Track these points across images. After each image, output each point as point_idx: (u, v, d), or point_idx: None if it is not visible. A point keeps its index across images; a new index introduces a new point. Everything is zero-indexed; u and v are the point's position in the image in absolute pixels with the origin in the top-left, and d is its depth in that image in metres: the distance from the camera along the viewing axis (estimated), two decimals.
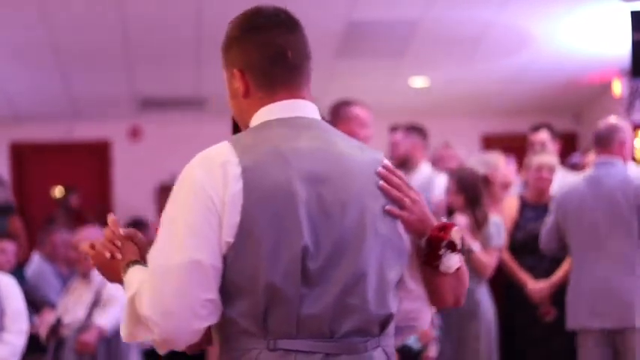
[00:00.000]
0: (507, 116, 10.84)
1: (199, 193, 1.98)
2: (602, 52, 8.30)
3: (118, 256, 2.19)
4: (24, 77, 8.90)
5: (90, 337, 6.08)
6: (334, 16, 7.21)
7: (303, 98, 2.14)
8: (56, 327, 6.22)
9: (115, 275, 2.19)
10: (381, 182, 2.10)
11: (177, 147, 10.75)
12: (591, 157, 5.48)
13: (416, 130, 6.80)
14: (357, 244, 2.03)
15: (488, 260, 5.66)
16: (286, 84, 2.12)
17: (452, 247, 2.12)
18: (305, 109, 2.14)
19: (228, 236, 1.97)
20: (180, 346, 2.01)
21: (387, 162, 2.15)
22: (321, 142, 2.08)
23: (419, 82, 9.44)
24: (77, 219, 8.86)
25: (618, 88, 9.08)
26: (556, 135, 6.64)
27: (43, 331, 6.19)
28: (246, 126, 2.16)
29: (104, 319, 6.17)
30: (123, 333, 2.06)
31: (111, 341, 6.20)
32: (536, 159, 5.97)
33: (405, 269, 2.11)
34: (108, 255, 2.20)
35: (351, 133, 5.84)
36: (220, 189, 1.98)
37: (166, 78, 8.90)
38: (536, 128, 6.63)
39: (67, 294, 6.54)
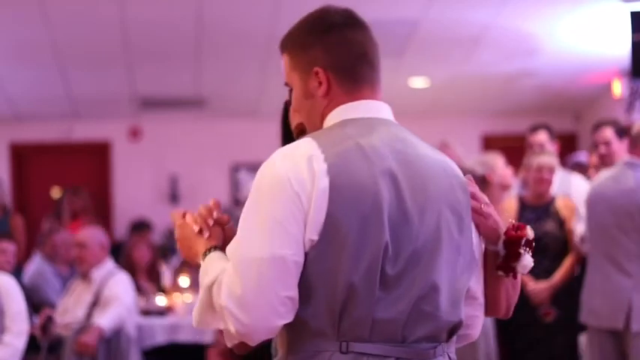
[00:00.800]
0: (507, 116, 10.84)
1: (286, 188, 1.95)
2: (602, 52, 8.30)
3: (206, 234, 2.15)
4: (24, 77, 8.90)
5: (90, 338, 6.08)
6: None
7: (380, 99, 2.15)
8: (47, 325, 6.22)
9: (192, 252, 2.16)
10: (470, 188, 2.13)
11: (177, 147, 10.78)
12: (594, 157, 5.49)
13: None
14: (433, 250, 2.02)
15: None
16: (369, 82, 2.14)
17: (529, 245, 2.20)
18: (383, 110, 2.14)
19: (313, 233, 1.94)
20: (255, 341, 1.97)
21: (456, 167, 2.15)
22: (401, 144, 2.07)
23: (419, 82, 9.44)
24: (78, 219, 8.82)
25: (618, 88, 9.08)
26: (555, 135, 6.63)
27: (36, 331, 6.18)
28: (316, 125, 2.14)
29: (104, 320, 6.17)
30: (195, 319, 2.03)
31: (111, 341, 6.20)
32: (536, 159, 5.95)
33: (473, 276, 2.12)
34: (197, 229, 2.16)
35: None
36: (307, 185, 1.95)
37: (166, 78, 8.90)
38: (534, 129, 6.62)
39: (67, 294, 6.54)
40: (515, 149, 8.41)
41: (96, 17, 7.16)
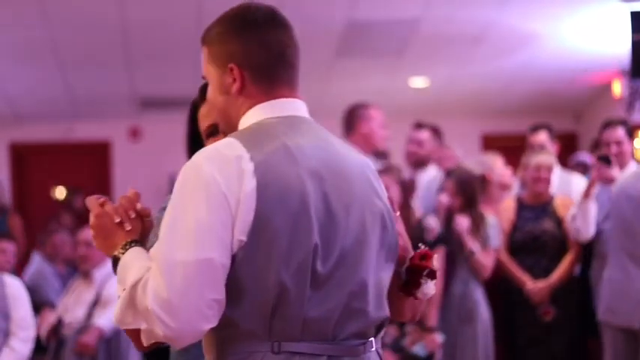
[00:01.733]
0: (507, 116, 10.84)
1: (212, 189, 1.92)
2: (602, 52, 8.30)
3: (127, 226, 2.09)
4: (24, 77, 8.90)
5: (90, 338, 6.08)
6: (334, 15, 7.20)
7: (299, 98, 2.13)
8: (57, 327, 6.22)
9: (107, 243, 2.09)
10: (388, 194, 2.12)
11: (177, 147, 10.75)
12: (596, 165, 5.49)
13: (438, 133, 6.93)
14: (360, 248, 2.02)
15: (488, 261, 5.67)
16: (286, 82, 2.11)
17: (432, 275, 2.15)
18: (302, 109, 2.12)
19: (242, 234, 1.92)
20: (181, 345, 1.95)
21: (373, 167, 2.16)
22: (322, 142, 2.07)
23: (419, 82, 9.44)
24: (82, 220, 8.80)
25: (618, 88, 9.08)
26: (555, 136, 6.63)
27: (43, 332, 6.18)
28: (231, 123, 2.12)
29: (104, 320, 6.17)
30: (116, 317, 1.99)
31: (111, 341, 6.20)
32: (534, 159, 5.96)
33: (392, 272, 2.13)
34: (117, 220, 2.09)
35: (371, 133, 5.92)
36: (235, 186, 1.93)
37: (166, 78, 8.90)
38: (535, 129, 6.62)
39: (68, 294, 6.54)
40: (515, 149, 8.41)
41: (96, 17, 7.15)
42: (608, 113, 8.61)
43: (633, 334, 5.02)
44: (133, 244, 2.06)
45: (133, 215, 2.11)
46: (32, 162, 10.91)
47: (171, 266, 1.90)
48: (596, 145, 5.99)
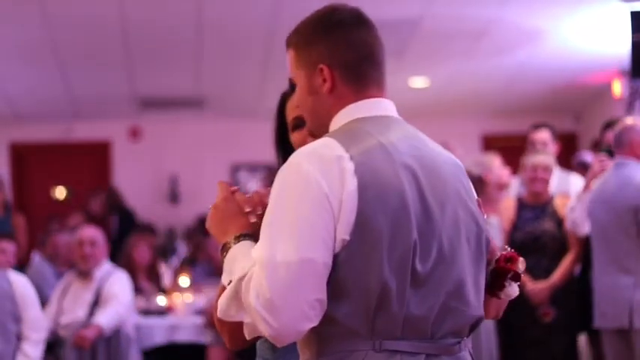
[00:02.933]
0: (507, 116, 10.84)
1: (314, 189, 1.93)
2: (602, 52, 8.30)
3: (253, 219, 2.10)
4: (24, 77, 8.90)
5: (88, 332, 6.08)
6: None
7: (386, 97, 2.16)
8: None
9: (221, 228, 2.11)
10: (477, 198, 2.15)
11: (177, 147, 10.78)
12: (598, 157, 5.49)
13: None
14: (456, 245, 2.05)
15: None
16: (375, 82, 2.13)
17: (517, 278, 2.18)
18: (391, 108, 2.16)
19: (344, 234, 1.93)
20: (283, 344, 1.96)
21: (462, 165, 2.19)
22: (414, 140, 2.10)
23: (419, 82, 9.44)
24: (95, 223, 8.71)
25: (618, 88, 9.08)
26: (556, 136, 6.63)
27: None
28: (321, 123, 2.14)
29: (103, 318, 6.16)
30: (220, 308, 2.00)
31: (110, 341, 6.19)
32: (532, 159, 5.96)
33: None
34: (247, 209, 2.11)
35: None
36: (337, 186, 1.94)
37: (166, 78, 8.90)
38: (537, 127, 6.62)
39: (62, 294, 6.47)
40: (515, 149, 8.40)
41: (96, 17, 7.15)
42: (608, 113, 8.61)
43: (625, 334, 5.05)
44: (246, 237, 2.07)
45: (259, 211, 2.10)
46: (32, 162, 10.91)
47: (274, 266, 1.90)
48: (596, 145, 5.98)
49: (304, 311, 1.91)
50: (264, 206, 2.08)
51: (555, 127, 6.80)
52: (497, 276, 2.18)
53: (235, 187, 2.15)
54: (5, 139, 10.78)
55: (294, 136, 2.43)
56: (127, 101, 9.89)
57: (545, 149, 6.30)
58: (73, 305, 6.36)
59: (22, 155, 10.91)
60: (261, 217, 2.08)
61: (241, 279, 1.95)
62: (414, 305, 1.98)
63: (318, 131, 2.16)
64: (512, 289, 2.19)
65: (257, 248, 1.96)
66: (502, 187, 6.34)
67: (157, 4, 7.01)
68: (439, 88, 9.66)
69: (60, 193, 10.88)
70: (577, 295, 5.83)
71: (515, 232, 5.88)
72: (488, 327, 5.66)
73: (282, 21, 7.01)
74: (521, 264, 2.18)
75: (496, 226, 5.80)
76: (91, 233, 6.54)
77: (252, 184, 9.90)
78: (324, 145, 2.00)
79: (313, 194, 1.93)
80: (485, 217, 2.19)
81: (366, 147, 2.00)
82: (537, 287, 5.71)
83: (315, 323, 1.93)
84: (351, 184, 1.94)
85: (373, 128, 2.06)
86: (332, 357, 1.98)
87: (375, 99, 2.13)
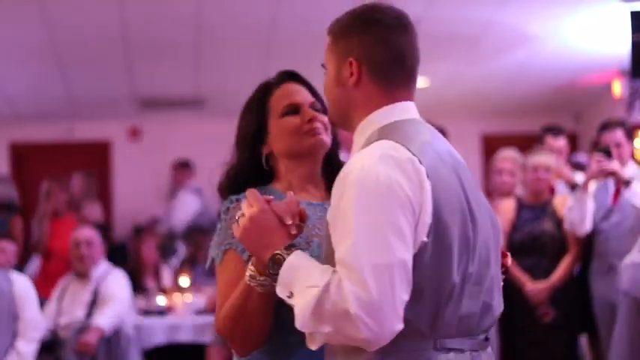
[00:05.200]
0: (507, 116, 10.84)
1: (397, 192, 1.95)
2: (602, 52, 8.30)
3: (294, 230, 2.10)
4: (24, 77, 8.90)
5: (90, 338, 6.07)
6: (334, 15, 7.20)
7: (413, 101, 2.19)
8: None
9: (263, 242, 2.07)
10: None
11: (177, 147, 10.77)
12: (595, 157, 5.46)
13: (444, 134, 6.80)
14: (490, 246, 2.12)
15: None
16: (404, 86, 2.17)
17: (505, 273, 2.28)
18: (416, 111, 2.19)
19: (423, 236, 1.97)
20: (376, 347, 1.94)
21: None
22: (446, 143, 2.15)
23: (419, 82, 9.41)
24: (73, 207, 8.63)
25: (618, 88, 9.08)
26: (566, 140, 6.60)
27: None
28: (344, 115, 2.17)
29: (102, 319, 6.16)
30: (300, 321, 1.95)
31: (110, 341, 6.20)
32: (532, 159, 5.95)
33: None
34: (289, 221, 2.09)
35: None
36: (417, 189, 1.97)
37: (166, 78, 8.90)
38: (555, 133, 6.51)
39: (59, 295, 6.46)
40: (515, 149, 8.40)
41: (96, 17, 7.16)
42: (608, 113, 8.60)
43: None
44: (296, 248, 2.06)
45: (297, 221, 2.11)
46: (32, 162, 10.90)
47: (373, 269, 1.90)
48: (594, 146, 5.96)
49: (398, 312, 1.92)
50: (302, 218, 2.11)
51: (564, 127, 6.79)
52: None
53: (269, 197, 2.12)
54: (5, 139, 10.77)
55: (285, 122, 2.42)
56: (127, 101, 9.89)
57: (560, 156, 6.30)
58: (71, 306, 6.36)
59: (22, 155, 10.91)
60: (299, 227, 2.11)
61: (325, 288, 1.92)
62: (465, 304, 2.04)
63: (339, 122, 2.22)
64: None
65: (346, 252, 1.93)
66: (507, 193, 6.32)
67: (157, 5, 7.01)
68: (439, 88, 9.66)
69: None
70: (576, 295, 5.83)
71: (514, 233, 5.88)
72: None
73: (282, 21, 7.01)
74: (509, 259, 2.27)
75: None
76: (87, 233, 6.53)
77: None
78: (392, 147, 2.02)
79: (397, 197, 1.95)
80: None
81: (424, 150, 2.04)
82: (537, 287, 5.71)
83: (403, 324, 1.93)
84: (428, 186, 1.99)
85: (417, 131, 2.10)
86: (397, 356, 1.99)
87: (407, 102, 2.16)
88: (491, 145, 10.68)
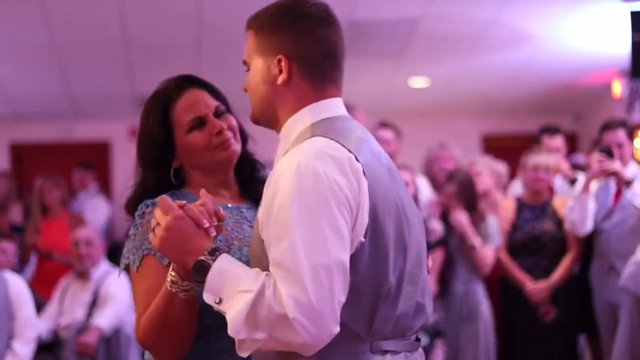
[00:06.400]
0: (507, 116, 10.84)
1: (335, 191, 1.88)
2: (602, 52, 8.30)
3: (213, 232, 1.99)
4: (24, 77, 8.89)
5: (90, 338, 6.07)
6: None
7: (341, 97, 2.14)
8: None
9: (185, 248, 1.96)
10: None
11: None
12: (594, 157, 5.45)
13: (398, 133, 6.75)
14: (421, 246, 2.07)
15: (489, 256, 5.66)
16: (334, 82, 2.10)
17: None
18: (345, 110, 2.13)
19: (360, 235, 1.90)
20: (313, 352, 1.86)
21: None
22: (379, 146, 2.10)
23: (419, 82, 9.44)
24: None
25: (618, 88, 9.08)
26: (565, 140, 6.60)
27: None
28: (271, 114, 2.09)
29: (102, 319, 6.16)
30: (232, 327, 1.86)
31: (110, 341, 6.19)
32: (532, 159, 5.95)
33: None
34: (206, 225, 1.97)
35: None
36: (355, 188, 1.91)
37: (166, 78, 8.88)
38: (551, 132, 6.53)
39: (64, 294, 6.46)
40: (515, 149, 8.41)
41: (96, 17, 7.15)
42: (608, 113, 8.61)
43: None
44: (220, 251, 1.95)
45: (215, 222, 2.02)
46: (32, 162, 10.90)
47: (311, 270, 1.82)
48: (596, 146, 5.95)
49: (336, 314, 1.85)
50: (218, 217, 2.02)
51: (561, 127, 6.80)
52: None
53: (182, 202, 2.00)
54: (5, 139, 10.77)
55: (194, 136, 2.33)
56: (127, 101, 9.89)
57: (558, 155, 6.30)
58: (72, 306, 6.35)
59: (22, 155, 10.91)
60: (218, 228, 2.02)
61: (259, 294, 1.84)
62: (401, 305, 1.99)
63: (264, 120, 2.12)
64: None
65: (282, 253, 1.85)
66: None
67: (157, 4, 7.01)
68: (439, 88, 9.66)
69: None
70: (577, 295, 5.83)
71: (514, 233, 5.88)
72: (486, 326, 5.67)
73: None
74: (430, 260, 2.23)
75: (496, 226, 5.80)
76: (87, 233, 6.52)
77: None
78: (328, 145, 1.95)
79: (336, 195, 1.88)
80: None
81: (360, 148, 1.98)
82: (537, 287, 5.71)
83: (339, 328, 1.86)
84: (364, 185, 1.92)
85: (351, 128, 2.04)
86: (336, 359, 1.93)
87: (337, 99, 2.09)
88: (491, 145, 10.69)
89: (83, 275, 6.42)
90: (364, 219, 1.91)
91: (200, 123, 2.33)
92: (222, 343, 2.14)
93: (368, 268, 1.92)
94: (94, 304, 6.30)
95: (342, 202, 1.88)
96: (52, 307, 6.40)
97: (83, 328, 6.17)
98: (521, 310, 5.78)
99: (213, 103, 2.39)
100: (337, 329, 1.85)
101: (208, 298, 1.92)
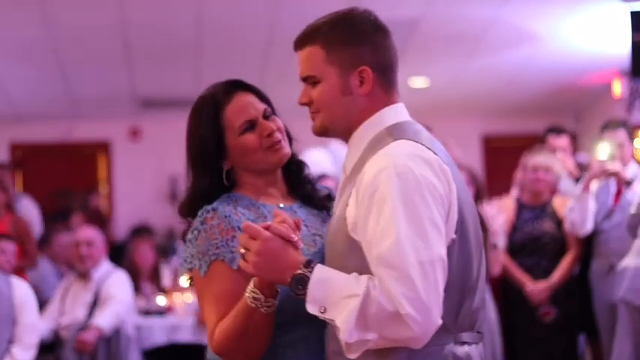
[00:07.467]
0: (507, 116, 10.84)
1: (432, 191, 2.00)
2: (602, 52, 8.30)
3: (300, 244, 2.07)
4: (24, 77, 8.90)
5: (89, 336, 6.07)
6: None
7: None
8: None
9: (280, 267, 2.04)
10: None
11: (177, 147, 10.75)
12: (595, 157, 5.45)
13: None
14: (480, 244, 2.18)
15: (501, 258, 5.64)
16: (396, 88, 2.23)
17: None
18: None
19: (452, 233, 2.03)
20: (421, 345, 1.96)
21: None
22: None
23: (419, 82, 9.44)
24: (96, 219, 8.65)
25: (618, 88, 9.08)
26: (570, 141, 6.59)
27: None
28: (348, 123, 2.16)
29: (102, 319, 6.16)
30: (346, 333, 1.94)
31: (110, 341, 6.19)
32: (532, 160, 5.93)
33: None
34: (295, 238, 2.05)
35: None
36: (446, 188, 2.03)
37: (166, 78, 8.90)
38: (557, 132, 6.52)
39: (61, 296, 6.46)
40: (515, 149, 8.40)
41: (96, 18, 7.15)
42: (608, 113, 8.61)
43: None
44: (314, 262, 2.03)
45: (299, 234, 2.09)
46: (32, 162, 10.90)
47: (419, 267, 1.93)
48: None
49: (441, 307, 1.95)
50: (297, 226, 2.09)
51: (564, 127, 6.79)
52: None
53: (267, 224, 2.08)
54: (5, 139, 10.78)
55: (246, 139, 2.38)
56: (127, 101, 9.90)
57: (564, 155, 6.29)
58: (72, 306, 6.36)
59: (22, 155, 10.91)
60: (300, 240, 2.09)
61: (367, 295, 1.93)
62: (476, 300, 2.11)
63: (337, 131, 2.20)
64: None
65: (387, 251, 1.94)
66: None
67: (157, 4, 7.01)
68: (439, 88, 9.66)
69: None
70: (577, 295, 5.83)
71: (514, 233, 5.87)
72: (492, 328, 5.65)
73: (282, 21, 7.01)
74: None
75: (499, 226, 5.78)
76: (88, 234, 6.52)
77: None
78: (415, 147, 2.06)
79: (433, 195, 1.99)
80: None
81: (438, 150, 2.10)
82: (537, 287, 5.71)
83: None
84: (454, 185, 2.05)
85: (421, 130, 2.16)
86: (423, 351, 2.00)
87: (401, 104, 2.23)
88: (491, 145, 10.69)
89: (84, 275, 6.42)
90: (454, 217, 2.03)
91: (251, 126, 2.39)
92: (286, 337, 2.23)
93: (457, 263, 2.04)
94: (94, 304, 6.30)
95: (438, 201, 2.00)
96: (53, 307, 6.41)
97: (84, 328, 6.17)
98: (521, 310, 5.78)
99: (261, 105, 2.44)
100: (440, 321, 1.95)
101: (312, 308, 2.00)
